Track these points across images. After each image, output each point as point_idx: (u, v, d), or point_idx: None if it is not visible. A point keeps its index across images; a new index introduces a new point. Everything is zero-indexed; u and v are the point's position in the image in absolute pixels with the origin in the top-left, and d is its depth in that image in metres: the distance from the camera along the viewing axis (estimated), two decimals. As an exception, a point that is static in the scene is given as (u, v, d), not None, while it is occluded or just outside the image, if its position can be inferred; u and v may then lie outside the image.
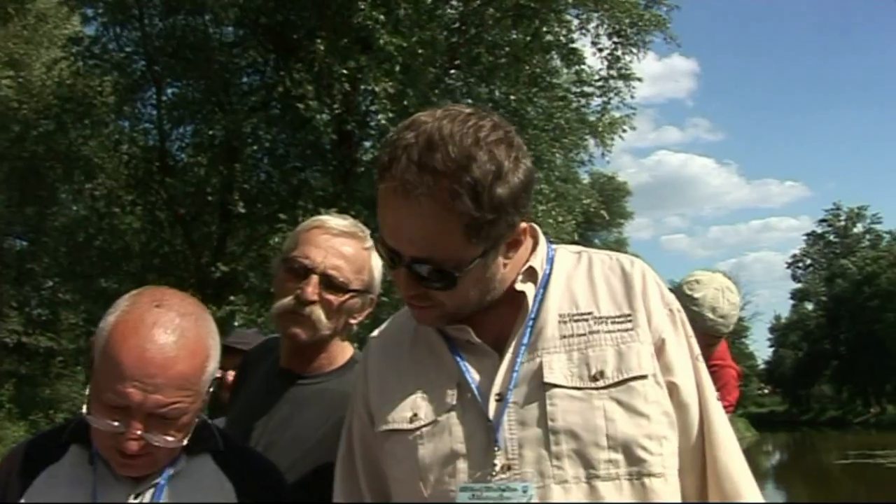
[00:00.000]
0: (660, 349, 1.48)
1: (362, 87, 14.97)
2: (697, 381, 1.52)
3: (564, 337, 1.48)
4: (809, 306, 79.07)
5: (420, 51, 15.32)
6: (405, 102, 15.24)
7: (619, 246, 50.10)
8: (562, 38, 17.29)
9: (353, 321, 2.19)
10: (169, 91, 18.20)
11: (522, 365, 1.45)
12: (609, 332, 1.47)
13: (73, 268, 19.06)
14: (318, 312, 2.08)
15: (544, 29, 16.78)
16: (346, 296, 2.11)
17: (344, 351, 2.23)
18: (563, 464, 1.38)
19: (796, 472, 33.17)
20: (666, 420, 1.45)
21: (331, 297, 2.09)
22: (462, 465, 1.42)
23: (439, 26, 16.29)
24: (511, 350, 1.47)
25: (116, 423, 1.55)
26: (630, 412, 1.41)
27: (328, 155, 16.83)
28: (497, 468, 1.40)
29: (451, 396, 1.48)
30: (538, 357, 1.45)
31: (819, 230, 79.85)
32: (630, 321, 1.48)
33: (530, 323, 1.49)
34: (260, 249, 15.16)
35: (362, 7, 14.49)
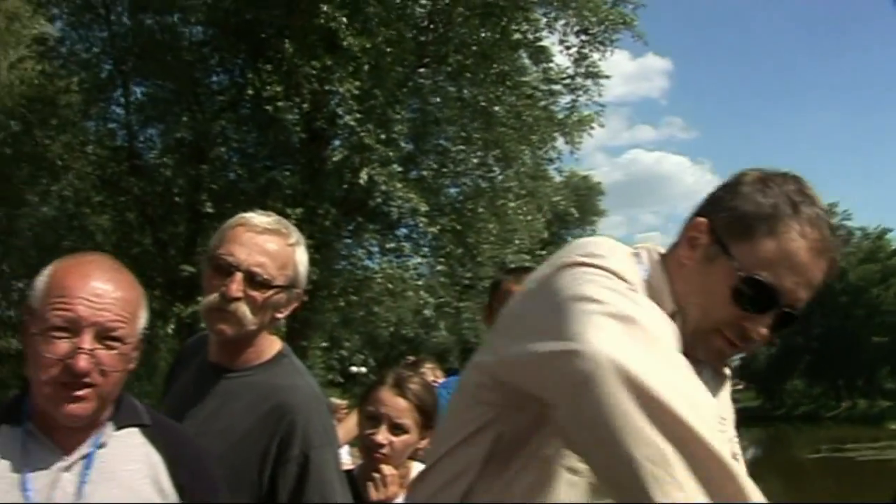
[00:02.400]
0: None
1: (326, 87, 14.94)
2: None
3: None
4: (782, 302, 79.61)
5: (388, 49, 15.33)
6: (372, 102, 15.26)
7: (593, 244, 50.22)
8: (529, 35, 17.31)
9: (279, 315, 2.25)
10: (137, 91, 18.09)
11: None
12: None
13: (44, 268, 18.91)
14: (244, 309, 2.14)
15: (512, 27, 16.77)
16: (271, 292, 2.17)
17: (272, 345, 2.29)
18: None
19: (770, 467, 33.37)
20: None
21: (255, 293, 2.14)
22: None
23: (407, 25, 16.28)
24: None
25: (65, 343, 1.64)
26: None
27: (297, 154, 16.80)
28: None
29: None
30: None
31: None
32: None
33: None
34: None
35: (325, 8, 14.47)
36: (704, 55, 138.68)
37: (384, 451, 2.61)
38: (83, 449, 1.73)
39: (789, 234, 1.46)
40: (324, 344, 22.80)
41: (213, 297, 2.15)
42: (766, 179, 1.52)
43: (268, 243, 2.18)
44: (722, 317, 1.50)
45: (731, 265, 1.47)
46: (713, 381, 1.58)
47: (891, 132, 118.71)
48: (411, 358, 3.01)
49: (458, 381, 1.66)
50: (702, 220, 1.54)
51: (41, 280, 1.75)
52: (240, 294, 2.13)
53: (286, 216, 12.66)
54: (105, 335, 1.67)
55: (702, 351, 1.52)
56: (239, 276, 2.13)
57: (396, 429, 2.62)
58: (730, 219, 1.50)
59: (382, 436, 2.61)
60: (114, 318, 1.68)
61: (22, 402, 1.76)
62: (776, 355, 72.65)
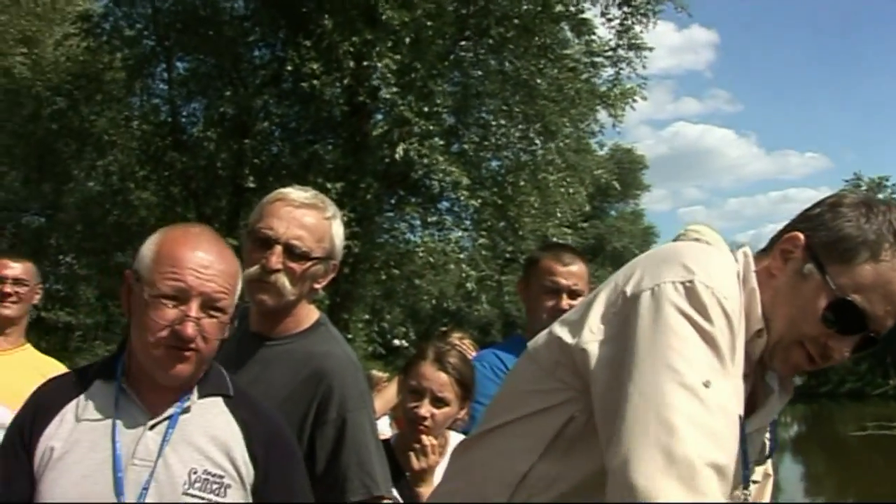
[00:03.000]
0: None
1: (365, 62, 14.94)
2: None
3: None
4: (829, 277, 78.78)
5: (428, 23, 15.28)
6: (412, 76, 15.23)
7: (635, 217, 50.12)
8: (571, 8, 17.20)
9: (316, 286, 2.36)
10: (179, 66, 18.26)
11: None
12: None
13: (89, 243, 19.27)
14: (283, 280, 2.24)
15: (554, -1, 16.67)
16: (309, 263, 2.27)
17: (310, 314, 2.39)
18: None
19: (814, 444, 33.18)
20: None
21: (294, 265, 2.25)
22: None
23: (447, -2, 16.22)
24: None
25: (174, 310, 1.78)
26: None
27: (339, 128, 16.85)
28: None
29: None
30: None
31: (839, 201, 79.43)
32: None
33: None
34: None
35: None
36: (751, 27, 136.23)
37: (427, 423, 2.67)
38: (168, 411, 1.84)
39: (890, 262, 1.48)
40: (366, 317, 22.89)
41: (254, 269, 2.23)
42: (871, 205, 1.54)
43: (305, 217, 2.28)
44: (807, 332, 1.52)
45: (826, 284, 1.49)
46: (780, 393, 1.62)
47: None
48: (443, 329, 3.05)
49: (532, 349, 1.65)
50: (798, 235, 1.56)
51: (149, 248, 1.85)
52: (279, 266, 2.22)
53: (327, 191, 12.62)
54: (210, 304, 1.80)
55: (779, 362, 1.56)
56: (278, 248, 2.22)
57: (438, 402, 2.70)
58: (829, 239, 1.52)
59: (425, 409, 2.68)
60: (218, 290, 1.81)
61: (118, 361, 1.89)
62: (822, 331, 71.88)
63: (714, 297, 1.38)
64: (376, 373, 12.16)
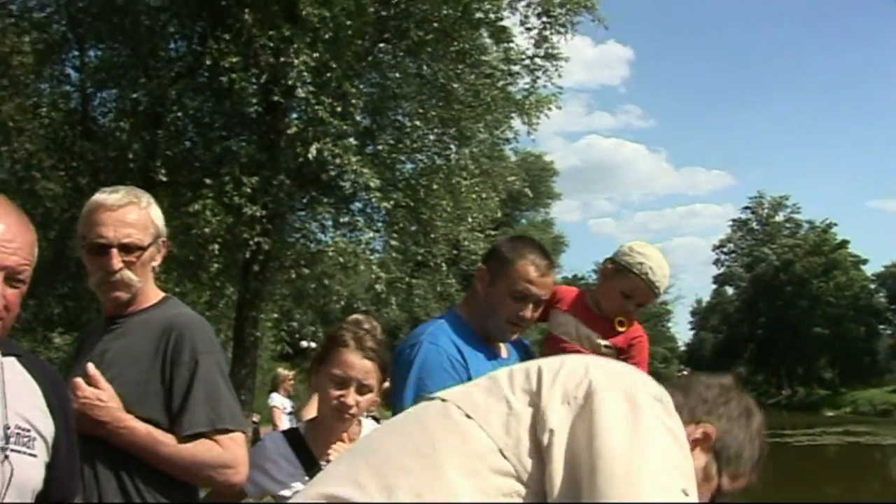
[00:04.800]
0: None
1: (282, 59, 14.86)
2: None
3: None
4: (730, 291, 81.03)
5: (348, 22, 15.28)
6: (329, 75, 15.21)
7: (546, 226, 50.72)
8: (491, 15, 17.38)
9: (154, 264, 2.63)
10: (92, 54, 17.85)
11: None
12: None
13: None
14: (128, 274, 2.54)
15: (474, 5, 16.80)
16: (144, 252, 2.55)
17: (157, 291, 2.69)
18: None
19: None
20: None
21: (132, 258, 2.54)
22: None
23: (367, -3, 16.24)
24: None
25: None
26: None
27: (253, 124, 16.71)
28: None
29: None
30: None
31: (742, 217, 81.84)
32: None
33: None
34: (182, 217, 15.02)
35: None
36: (665, 45, 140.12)
37: (353, 411, 2.70)
38: None
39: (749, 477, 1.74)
40: (275, 315, 22.74)
41: (99, 274, 2.54)
42: (751, 414, 1.76)
43: (128, 215, 2.54)
44: None
45: (718, 488, 1.66)
46: None
47: (843, 130, 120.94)
48: (356, 316, 3.06)
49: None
50: (711, 430, 1.66)
51: None
52: (120, 265, 2.51)
53: (241, 184, 12.57)
54: (13, 276, 1.87)
55: None
56: (114, 251, 2.50)
57: (363, 388, 2.71)
58: (732, 451, 1.67)
59: (352, 398, 2.69)
60: (22, 262, 1.88)
61: None
62: (722, 342, 73.99)
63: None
64: (282, 371, 12.18)
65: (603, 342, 3.30)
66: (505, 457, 1.31)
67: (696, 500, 1.30)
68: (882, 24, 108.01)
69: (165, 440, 2.39)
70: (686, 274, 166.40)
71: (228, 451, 2.44)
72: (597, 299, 3.38)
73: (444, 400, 1.45)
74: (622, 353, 3.30)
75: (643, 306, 3.39)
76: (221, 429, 2.44)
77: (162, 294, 2.67)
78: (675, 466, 1.29)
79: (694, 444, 1.57)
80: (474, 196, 18.05)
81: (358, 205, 18.33)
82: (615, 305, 3.31)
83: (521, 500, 1.29)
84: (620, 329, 3.34)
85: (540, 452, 1.30)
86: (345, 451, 1.66)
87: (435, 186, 17.48)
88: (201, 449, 2.41)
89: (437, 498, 1.27)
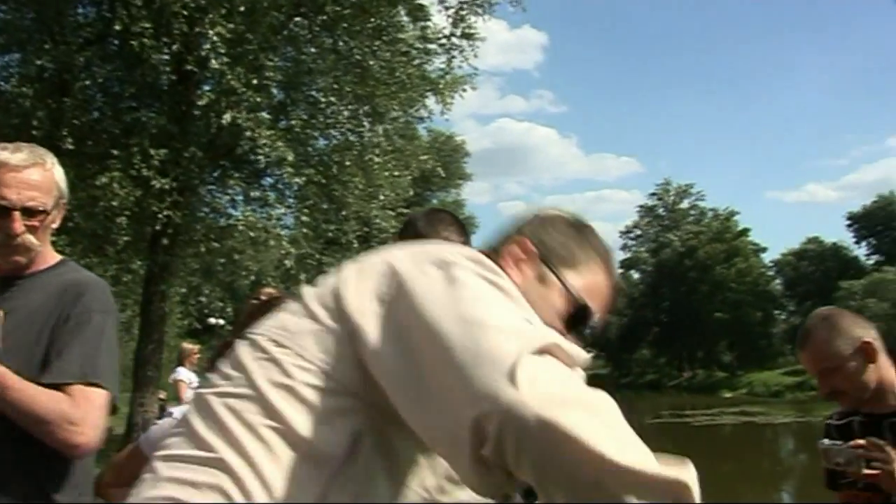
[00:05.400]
0: None
1: (196, 28, 14.61)
2: None
3: None
4: (636, 275, 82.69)
5: (264, -7, 15.11)
6: (244, 47, 15.02)
7: (457, 207, 50.81)
8: (409, -9, 17.38)
9: (54, 225, 2.54)
10: (-6, 17, 17.22)
11: None
12: None
13: None
14: (29, 238, 2.43)
15: (392, -18, 16.79)
16: (47, 217, 2.46)
17: (53, 254, 2.57)
18: None
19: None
20: None
21: (34, 222, 2.43)
22: None
23: (284, -30, 16.04)
24: None
25: None
26: None
27: (164, 95, 16.40)
28: None
29: None
30: None
31: (649, 203, 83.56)
32: None
33: None
34: (88, 189, 14.68)
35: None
36: (579, 33, 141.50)
37: None
38: None
39: (602, 275, 1.63)
40: (183, 290, 22.39)
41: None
42: (581, 225, 1.66)
43: (32, 176, 2.43)
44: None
45: (568, 291, 1.57)
46: None
47: (745, 123, 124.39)
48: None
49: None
50: (528, 242, 1.60)
51: None
52: (22, 229, 2.40)
53: (150, 157, 12.31)
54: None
55: None
56: (16, 213, 2.38)
57: None
58: (561, 252, 1.60)
59: None
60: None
61: None
62: (626, 326, 75.53)
63: (497, 270, 1.31)
64: (187, 345, 12.06)
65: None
66: (328, 375, 1.24)
67: (542, 324, 1.25)
68: (782, 22, 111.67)
69: (16, 385, 2.22)
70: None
71: (78, 408, 2.26)
72: None
73: (254, 336, 1.35)
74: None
75: None
76: (92, 383, 2.30)
77: (59, 256, 2.57)
78: (506, 303, 1.23)
79: (517, 262, 1.56)
80: (386, 174, 18.08)
81: (269, 180, 18.18)
82: None
83: (359, 416, 1.24)
84: None
85: (364, 358, 1.23)
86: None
87: (348, 163, 17.43)
88: (45, 398, 2.24)
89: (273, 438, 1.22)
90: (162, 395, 16.36)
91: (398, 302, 1.24)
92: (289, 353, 1.27)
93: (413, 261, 1.29)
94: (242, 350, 1.34)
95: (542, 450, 1.05)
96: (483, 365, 1.10)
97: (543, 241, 1.58)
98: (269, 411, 1.23)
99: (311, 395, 1.23)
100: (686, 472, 1.12)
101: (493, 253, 1.55)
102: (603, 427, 1.06)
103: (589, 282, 1.59)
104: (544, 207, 1.71)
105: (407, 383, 1.20)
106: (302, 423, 1.22)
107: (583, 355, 1.21)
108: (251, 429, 1.23)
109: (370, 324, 1.24)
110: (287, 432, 1.22)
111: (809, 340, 2.81)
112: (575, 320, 1.56)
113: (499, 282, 1.27)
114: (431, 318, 1.18)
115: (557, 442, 1.03)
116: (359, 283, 1.30)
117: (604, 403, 1.11)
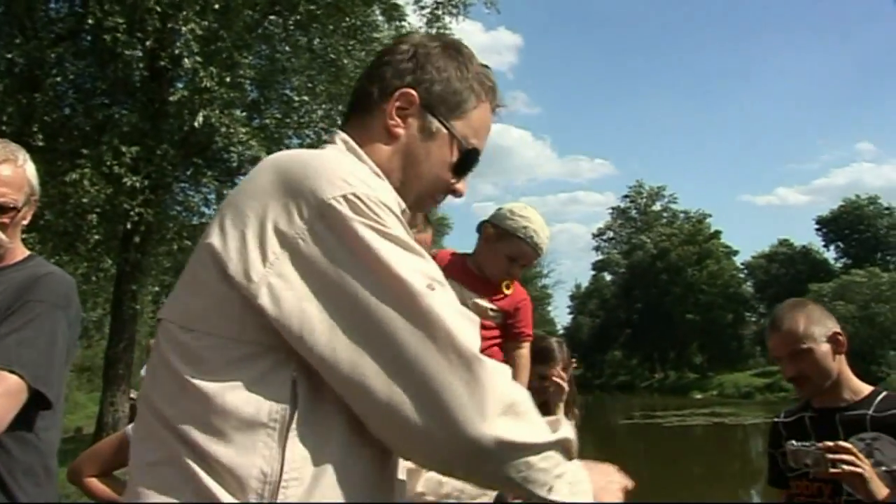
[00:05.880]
0: None
1: (169, 25, 14.48)
2: None
3: None
4: (608, 277, 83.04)
5: (238, -10, 15.02)
6: (218, 44, 14.91)
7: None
8: (384, -9, 17.35)
9: (24, 222, 2.50)
10: (-37, 11, 16.99)
11: None
12: None
13: None
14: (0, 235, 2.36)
15: (366, -19, 16.75)
16: (18, 214, 2.41)
17: (22, 249, 2.51)
18: None
19: (587, 432, 34.78)
20: None
21: (5, 219, 2.38)
22: None
23: (258, -32, 15.95)
24: None
25: None
26: None
27: (137, 92, 16.26)
28: None
29: None
30: None
31: (622, 206, 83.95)
32: None
33: None
34: (59, 186, 14.51)
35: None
36: (553, 35, 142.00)
37: None
38: None
39: (486, 104, 1.70)
40: (155, 289, 22.20)
41: None
42: (458, 51, 1.67)
43: (2, 173, 2.37)
44: (442, 183, 1.61)
45: (454, 137, 1.60)
46: None
47: (718, 127, 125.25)
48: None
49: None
50: (411, 92, 1.57)
51: None
52: None
53: (122, 154, 12.16)
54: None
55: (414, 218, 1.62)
56: None
57: None
58: (442, 93, 1.59)
59: None
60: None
61: None
62: (599, 327, 75.83)
63: (377, 201, 1.31)
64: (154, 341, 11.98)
65: (489, 305, 3.34)
66: (242, 342, 1.26)
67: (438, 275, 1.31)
68: (754, 27, 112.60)
69: None
70: (567, 259, 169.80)
71: None
72: (479, 263, 3.41)
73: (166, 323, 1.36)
74: (509, 318, 3.39)
75: (526, 267, 3.50)
76: (20, 374, 2.15)
77: (28, 252, 2.51)
78: (401, 272, 1.26)
79: (403, 117, 1.55)
80: (361, 174, 17.98)
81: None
82: (501, 269, 3.37)
83: (288, 364, 1.26)
84: (507, 291, 3.41)
85: (265, 317, 1.24)
86: None
87: (322, 163, 17.30)
88: None
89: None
90: (133, 394, 16.21)
91: (290, 264, 1.27)
92: (197, 335, 1.28)
93: (291, 218, 1.30)
94: (161, 342, 1.35)
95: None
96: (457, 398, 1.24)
97: (426, 87, 1.57)
98: (203, 401, 1.24)
99: (235, 368, 1.25)
100: (565, 429, 1.34)
101: (364, 113, 1.58)
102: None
103: (474, 119, 1.63)
104: (421, 36, 1.70)
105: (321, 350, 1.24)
106: (237, 397, 1.23)
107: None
108: (194, 421, 1.24)
109: (263, 292, 1.25)
110: (228, 413, 1.23)
111: (785, 322, 2.85)
112: (463, 165, 1.62)
113: (387, 232, 1.29)
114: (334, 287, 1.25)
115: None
116: (241, 244, 1.30)
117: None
